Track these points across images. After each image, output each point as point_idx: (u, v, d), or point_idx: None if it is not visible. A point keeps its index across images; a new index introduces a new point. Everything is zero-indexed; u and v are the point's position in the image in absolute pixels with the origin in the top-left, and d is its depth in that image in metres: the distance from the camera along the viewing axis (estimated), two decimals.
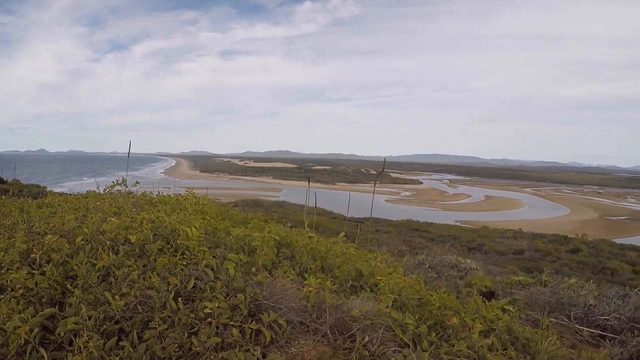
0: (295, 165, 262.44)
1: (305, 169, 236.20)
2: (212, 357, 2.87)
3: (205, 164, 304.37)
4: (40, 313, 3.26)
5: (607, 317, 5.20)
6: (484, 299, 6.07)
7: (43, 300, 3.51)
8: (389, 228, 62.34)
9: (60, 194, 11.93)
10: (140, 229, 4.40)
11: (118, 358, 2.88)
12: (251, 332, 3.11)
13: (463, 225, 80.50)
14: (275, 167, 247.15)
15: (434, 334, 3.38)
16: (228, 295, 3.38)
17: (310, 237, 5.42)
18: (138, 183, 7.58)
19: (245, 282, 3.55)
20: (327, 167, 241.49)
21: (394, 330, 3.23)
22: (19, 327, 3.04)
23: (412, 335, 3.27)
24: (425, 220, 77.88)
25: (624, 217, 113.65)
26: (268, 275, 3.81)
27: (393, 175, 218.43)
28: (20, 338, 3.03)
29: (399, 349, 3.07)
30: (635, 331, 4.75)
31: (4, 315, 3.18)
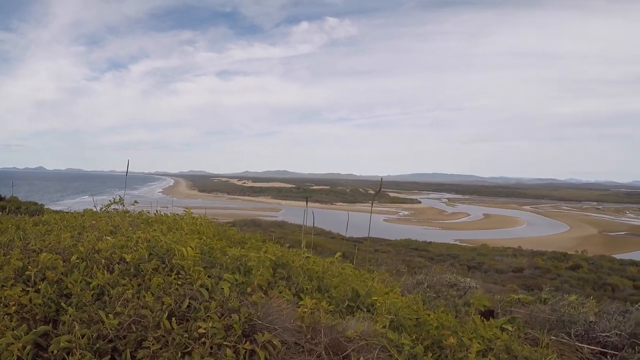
0: (294, 185, 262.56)
1: (304, 188, 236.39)
2: None
3: (204, 183, 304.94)
4: (34, 330, 3.26)
5: (607, 334, 5.14)
6: (483, 318, 6.06)
7: (37, 318, 3.50)
8: (388, 247, 62.22)
9: (58, 212, 11.96)
10: (135, 248, 4.40)
11: None
12: (245, 352, 3.11)
13: (462, 244, 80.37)
14: (274, 187, 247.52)
15: (431, 354, 3.36)
16: (222, 315, 3.36)
17: (307, 257, 5.40)
18: (136, 202, 7.59)
19: (240, 302, 3.54)
20: (325, 187, 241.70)
21: (389, 351, 3.20)
22: (12, 343, 3.03)
23: (408, 356, 3.24)
24: (424, 240, 77.76)
25: (623, 233, 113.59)
26: (263, 296, 3.80)
27: (391, 194, 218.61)
28: (13, 355, 3.02)
29: None
30: (636, 347, 4.72)
31: None
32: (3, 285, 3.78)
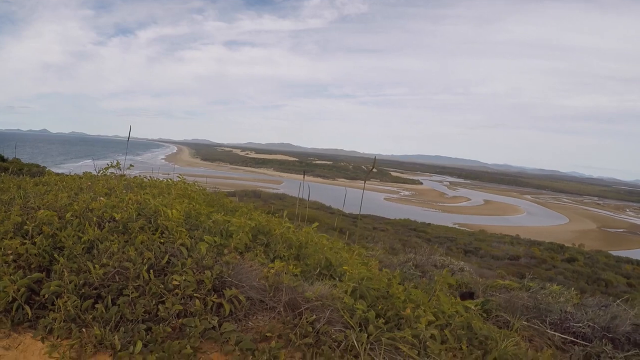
0: (296, 159, 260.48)
1: (306, 162, 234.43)
2: (174, 322, 3.26)
3: (207, 152, 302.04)
4: (29, 276, 3.65)
5: (581, 325, 5.11)
6: (462, 299, 6.30)
7: (32, 267, 3.87)
8: (387, 226, 62.26)
9: (59, 174, 12.24)
10: (125, 208, 4.72)
11: (91, 317, 3.27)
12: (213, 304, 3.49)
13: (461, 228, 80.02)
14: (276, 160, 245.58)
15: (382, 321, 3.57)
16: (197, 271, 3.73)
17: (287, 227, 5.74)
18: (132, 166, 7.88)
19: (214, 261, 3.90)
20: (328, 162, 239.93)
21: (341, 313, 3.54)
22: (8, 286, 3.43)
23: (360, 320, 3.51)
24: (423, 221, 77.44)
25: (621, 230, 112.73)
26: (237, 257, 4.15)
27: (394, 174, 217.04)
28: (9, 295, 3.42)
29: (344, 329, 3.36)
30: (604, 340, 4.77)
31: None
32: (3, 237, 4.17)
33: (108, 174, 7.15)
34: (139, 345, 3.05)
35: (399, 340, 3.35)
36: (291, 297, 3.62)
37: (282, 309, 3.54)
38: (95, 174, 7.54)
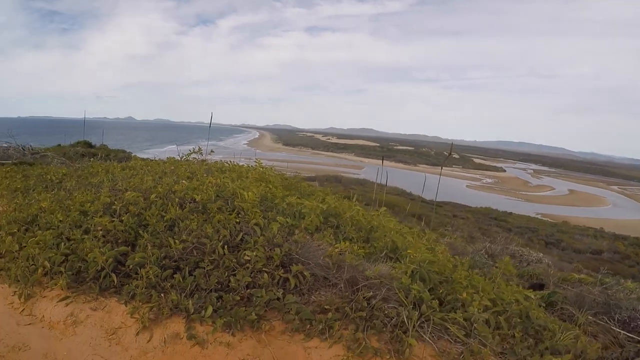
0: (378, 144, 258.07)
1: (388, 148, 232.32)
2: (242, 292, 3.61)
3: (288, 137, 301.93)
4: (116, 249, 4.10)
5: None
6: (532, 289, 6.35)
7: (119, 241, 4.33)
8: (467, 214, 61.30)
9: (144, 159, 12.86)
10: (205, 191, 5.10)
11: (170, 285, 3.68)
12: (280, 278, 3.82)
13: (543, 218, 77.75)
14: (358, 145, 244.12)
15: (436, 302, 3.73)
16: (268, 248, 4.05)
17: (357, 210, 6.00)
18: (213, 152, 8.27)
19: (284, 240, 4.21)
20: (409, 148, 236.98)
21: (396, 291, 3.77)
22: (97, 257, 3.88)
23: (414, 299, 3.69)
24: (505, 210, 75.73)
25: None
26: (307, 237, 4.45)
27: (476, 160, 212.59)
28: (98, 265, 3.88)
29: (398, 307, 3.59)
30: None
31: (87, 249, 4.04)
32: (93, 216, 4.68)
33: (190, 159, 7.55)
34: (210, 310, 3.44)
35: (449, 321, 3.54)
36: (352, 274, 3.87)
37: (342, 286, 3.81)
38: (178, 158, 8.00)
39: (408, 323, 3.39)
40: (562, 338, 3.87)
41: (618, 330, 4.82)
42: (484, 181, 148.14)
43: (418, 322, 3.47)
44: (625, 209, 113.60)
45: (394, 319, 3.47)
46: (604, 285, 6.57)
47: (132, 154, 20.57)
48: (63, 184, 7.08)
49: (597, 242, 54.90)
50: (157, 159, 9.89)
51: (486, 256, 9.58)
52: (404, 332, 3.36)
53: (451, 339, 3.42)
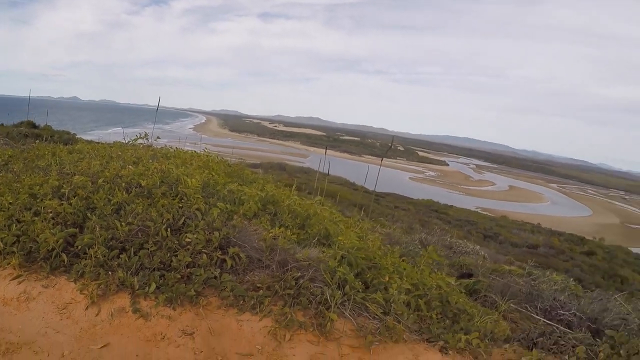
0: (324, 134, 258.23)
1: (334, 137, 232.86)
2: (183, 271, 3.98)
3: (235, 123, 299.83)
4: (66, 231, 4.38)
5: (568, 313, 5.09)
6: (460, 278, 6.74)
7: (68, 223, 4.58)
8: (409, 206, 62.00)
9: (89, 142, 12.90)
10: (150, 176, 5.36)
11: (116, 264, 4.03)
12: (217, 259, 4.17)
13: (483, 212, 79.03)
14: (304, 133, 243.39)
15: (360, 284, 4.15)
16: (207, 231, 4.40)
17: (294, 199, 6.39)
18: (159, 138, 8.52)
19: (223, 224, 4.56)
20: (355, 138, 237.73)
21: (322, 272, 4.16)
22: (48, 238, 4.17)
23: (339, 281, 4.08)
24: (446, 203, 76.73)
25: None
26: (245, 222, 4.82)
27: (421, 153, 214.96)
28: (49, 245, 4.17)
29: (323, 287, 3.98)
30: (584, 329, 4.65)
31: (39, 230, 4.33)
32: (43, 198, 4.93)
33: (137, 144, 7.80)
34: (153, 286, 3.81)
35: (369, 301, 3.93)
36: (283, 257, 4.25)
37: (274, 267, 4.19)
38: (125, 143, 8.23)
39: (331, 300, 3.78)
40: (479, 321, 4.20)
41: (538, 317, 5.05)
42: (427, 174, 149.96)
43: (340, 301, 3.85)
44: (563, 206, 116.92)
45: (319, 297, 3.86)
46: (532, 277, 6.89)
47: (77, 136, 20.36)
48: (9, 166, 7.24)
49: (533, 237, 56.44)
50: (102, 142, 10.03)
51: (420, 246, 9.96)
52: (327, 309, 3.74)
53: (370, 316, 3.80)
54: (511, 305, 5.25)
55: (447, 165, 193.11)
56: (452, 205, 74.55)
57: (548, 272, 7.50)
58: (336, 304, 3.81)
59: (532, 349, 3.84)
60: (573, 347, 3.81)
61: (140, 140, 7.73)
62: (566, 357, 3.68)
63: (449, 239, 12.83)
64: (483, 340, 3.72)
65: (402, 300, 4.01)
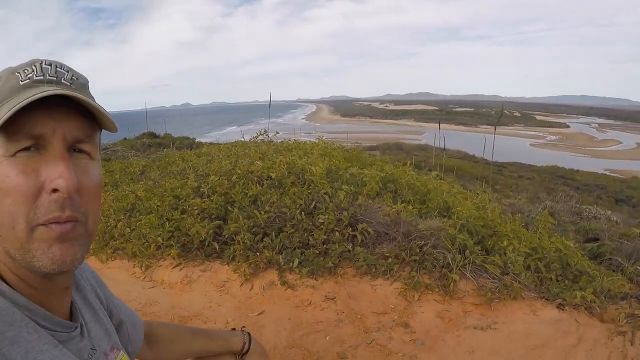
0: (437, 108, 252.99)
1: (447, 111, 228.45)
2: (320, 247, 4.52)
3: (345, 108, 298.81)
4: (212, 223, 5.05)
5: None
6: (586, 243, 6.73)
7: (212, 217, 5.26)
8: (533, 174, 59.88)
9: (211, 144, 13.69)
10: (278, 169, 5.91)
11: (262, 246, 4.63)
12: (349, 235, 4.67)
13: (612, 175, 75.11)
14: (416, 110, 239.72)
15: (478, 249, 4.47)
16: (337, 211, 4.91)
17: (412, 175, 6.81)
18: (278, 133, 9.14)
19: (350, 204, 5.05)
20: (469, 109, 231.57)
21: (444, 240, 4.56)
22: (200, 230, 4.84)
23: (459, 247, 4.42)
24: (572, 167, 73.60)
25: None
26: (369, 201, 5.29)
27: (538, 117, 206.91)
28: (201, 236, 4.86)
29: (445, 252, 4.36)
30: None
31: (189, 225, 5.03)
32: (186, 199, 5.66)
33: (258, 140, 8.47)
34: (296, 261, 4.40)
35: (488, 263, 4.26)
36: (407, 229, 4.68)
37: (400, 238, 4.62)
38: (246, 141, 8.95)
39: (452, 264, 4.17)
40: (601, 282, 4.14)
41: None
42: (548, 138, 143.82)
43: (461, 264, 4.22)
44: None
45: (441, 261, 4.26)
46: None
47: (196, 139, 21.44)
48: (145, 174, 8.12)
49: None
50: (225, 143, 10.79)
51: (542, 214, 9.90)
52: (450, 271, 4.13)
53: (489, 276, 4.13)
54: (638, 267, 5.02)
55: (568, 127, 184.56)
56: (578, 170, 71.17)
57: None
58: (457, 266, 4.19)
59: None
60: None
61: (261, 137, 8.38)
62: None
63: (576, 205, 12.55)
64: (599, 297, 3.83)
65: (519, 262, 4.27)
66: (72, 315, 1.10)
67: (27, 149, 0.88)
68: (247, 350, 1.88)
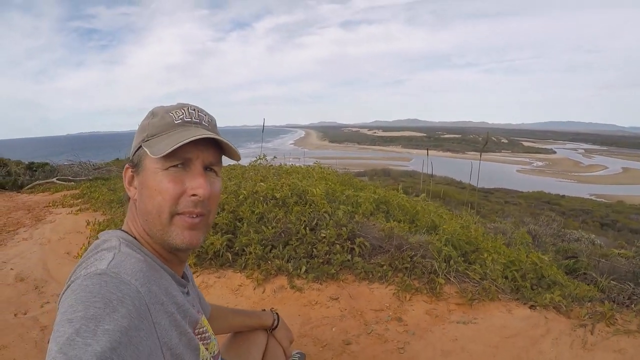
0: (425, 134, 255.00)
1: (435, 137, 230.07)
2: (323, 257, 5.14)
3: (334, 134, 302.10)
4: (225, 236, 5.61)
5: None
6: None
7: (223, 231, 5.81)
8: (519, 200, 60.27)
9: None
10: (281, 190, 6.46)
11: (272, 256, 5.25)
12: (348, 247, 5.29)
13: (597, 199, 75.75)
14: (404, 136, 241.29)
15: (462, 259, 5.11)
16: (337, 227, 5.50)
17: (402, 197, 7.44)
18: (275, 157, 9.75)
19: (348, 221, 5.65)
20: (456, 136, 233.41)
21: (431, 251, 5.12)
22: (215, 241, 5.43)
23: (445, 257, 5.02)
24: (557, 193, 74.15)
25: None
26: (365, 219, 5.90)
27: (525, 144, 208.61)
28: (216, 247, 5.45)
29: (432, 261, 4.95)
30: None
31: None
32: None
33: (257, 165, 9.05)
34: (303, 268, 5.01)
35: (470, 270, 4.88)
36: (399, 242, 5.27)
37: (393, 250, 5.21)
38: (245, 165, 9.55)
39: (439, 270, 4.80)
40: (570, 289, 4.64)
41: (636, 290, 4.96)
42: (535, 164, 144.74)
43: (446, 271, 4.85)
44: None
45: (429, 268, 4.89)
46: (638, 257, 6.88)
47: None
48: None
49: None
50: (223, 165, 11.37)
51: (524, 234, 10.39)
52: (436, 276, 4.76)
53: (471, 282, 4.74)
54: (612, 282, 5.23)
55: (555, 152, 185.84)
56: (564, 195, 71.70)
57: None
58: (443, 273, 4.82)
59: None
60: None
61: (259, 161, 8.99)
62: (633, 306, 4.28)
63: (559, 229, 12.87)
64: (566, 299, 4.38)
65: (498, 271, 4.86)
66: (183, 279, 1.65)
67: (175, 166, 1.42)
68: (277, 326, 2.49)
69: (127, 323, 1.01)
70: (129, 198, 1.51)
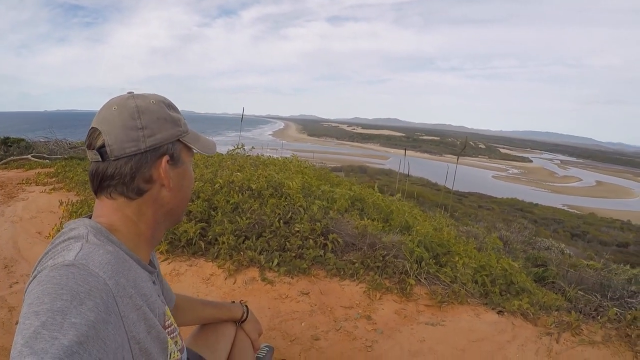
0: (404, 134, 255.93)
1: (413, 138, 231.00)
2: (295, 251, 5.12)
3: (313, 128, 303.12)
4: (198, 225, 5.57)
5: (635, 301, 5.03)
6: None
7: (197, 219, 5.77)
8: (493, 205, 60.77)
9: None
10: (258, 181, 6.45)
11: (244, 247, 5.21)
12: (321, 243, 5.29)
13: (570, 210, 76.54)
14: (383, 135, 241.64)
15: (434, 262, 5.13)
16: (311, 222, 5.49)
17: (378, 196, 7.46)
18: (253, 148, 9.70)
19: (323, 217, 5.64)
20: (435, 138, 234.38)
21: (403, 251, 5.14)
22: (188, 229, 5.39)
23: (417, 258, 5.05)
24: (531, 201, 74.69)
25: None
26: (339, 215, 5.90)
27: (503, 151, 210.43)
28: (189, 235, 5.40)
29: (404, 261, 4.98)
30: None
31: (177, 225, 5.54)
32: None
33: (234, 154, 9.01)
34: (275, 261, 4.99)
35: (441, 272, 4.91)
36: (372, 240, 5.29)
37: (365, 248, 5.23)
38: (222, 154, 9.48)
39: (410, 271, 4.83)
40: (538, 297, 4.74)
41: (606, 303, 5.00)
42: (511, 171, 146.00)
43: (418, 272, 4.87)
44: None
45: (401, 268, 4.91)
46: (608, 269, 6.90)
47: None
48: None
49: (623, 235, 53.59)
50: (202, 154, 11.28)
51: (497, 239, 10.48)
52: (407, 277, 4.78)
53: (441, 284, 4.76)
54: (579, 292, 5.28)
55: (531, 161, 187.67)
56: (537, 204, 72.32)
57: (627, 266, 7.32)
58: (414, 274, 4.85)
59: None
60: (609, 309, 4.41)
61: (237, 150, 8.94)
62: (599, 317, 4.34)
63: (530, 236, 12.99)
64: (534, 306, 4.44)
65: (468, 275, 4.88)
66: (150, 265, 1.61)
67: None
68: (246, 319, 2.47)
69: (94, 316, 1.00)
70: (138, 191, 1.44)
